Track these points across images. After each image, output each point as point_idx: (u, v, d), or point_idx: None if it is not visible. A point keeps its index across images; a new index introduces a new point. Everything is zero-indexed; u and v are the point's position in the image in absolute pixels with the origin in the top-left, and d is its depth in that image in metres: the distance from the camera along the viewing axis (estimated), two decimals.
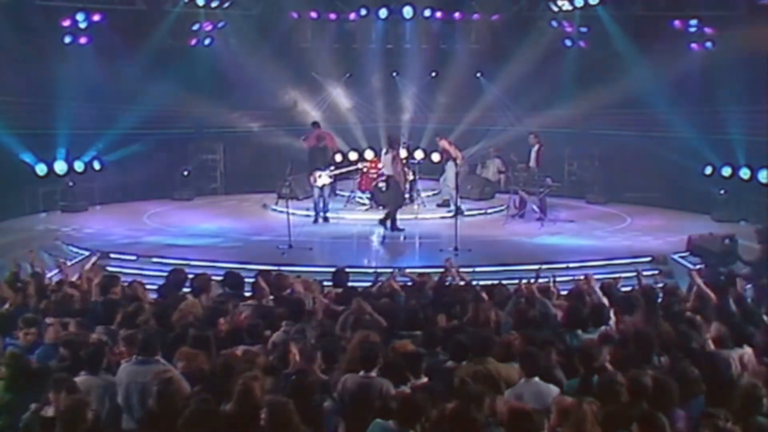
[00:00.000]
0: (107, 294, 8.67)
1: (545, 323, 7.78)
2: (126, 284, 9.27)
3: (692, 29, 18.71)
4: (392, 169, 15.41)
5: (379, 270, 10.97)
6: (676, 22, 18.89)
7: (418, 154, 20.25)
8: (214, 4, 20.14)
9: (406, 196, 17.57)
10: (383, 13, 20.94)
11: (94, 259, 10.71)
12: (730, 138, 17.18)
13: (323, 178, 16.28)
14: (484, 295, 8.57)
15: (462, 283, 9.55)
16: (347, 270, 10.09)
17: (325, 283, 9.81)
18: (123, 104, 18.62)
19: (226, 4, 20.30)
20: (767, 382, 5.89)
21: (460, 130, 20.09)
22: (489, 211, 18.05)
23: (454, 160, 17.31)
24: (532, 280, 8.83)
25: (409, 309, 8.06)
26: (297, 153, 17.68)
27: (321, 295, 8.83)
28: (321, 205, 16.58)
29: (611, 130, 19.52)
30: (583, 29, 20.34)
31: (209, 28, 20.61)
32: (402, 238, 15.28)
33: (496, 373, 6.28)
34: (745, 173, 17.29)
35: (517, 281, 9.08)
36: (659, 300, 8.71)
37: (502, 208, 17.76)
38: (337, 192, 17.95)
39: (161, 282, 9.90)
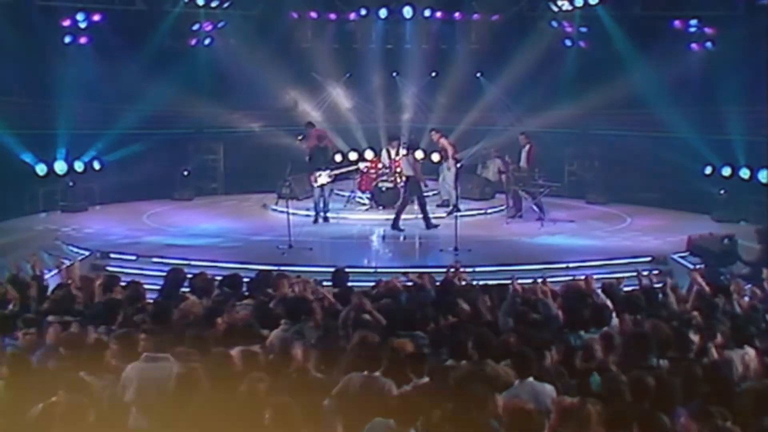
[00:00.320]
0: (108, 294, 8.67)
1: (547, 324, 7.76)
2: (125, 284, 9.27)
3: (692, 29, 18.74)
4: (411, 169, 15.59)
5: (379, 270, 10.97)
6: (676, 22, 18.92)
7: (418, 154, 20.19)
8: (214, 4, 20.14)
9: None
10: (383, 13, 20.95)
11: (78, 261, 10.67)
12: (730, 138, 17.17)
13: (323, 177, 16.28)
14: (483, 295, 8.56)
15: (463, 283, 9.55)
16: (347, 270, 10.08)
17: (325, 283, 9.80)
18: (123, 104, 18.64)
19: (226, 4, 20.29)
20: None
21: (460, 130, 20.07)
22: (489, 211, 18.05)
23: (453, 158, 17.30)
24: (529, 281, 8.81)
25: (408, 309, 8.06)
26: (297, 153, 17.65)
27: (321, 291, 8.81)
28: (321, 205, 16.59)
29: (611, 130, 19.54)
30: (583, 29, 20.35)
31: (209, 28, 20.62)
32: (402, 238, 15.29)
33: (494, 373, 6.27)
34: (745, 173, 17.28)
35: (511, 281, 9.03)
36: (659, 300, 8.71)
37: (502, 208, 17.77)
38: (337, 192, 17.92)
39: (161, 282, 9.89)
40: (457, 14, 21.32)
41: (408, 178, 15.76)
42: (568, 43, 20.67)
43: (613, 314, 7.92)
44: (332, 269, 10.25)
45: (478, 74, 21.02)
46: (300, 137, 17.38)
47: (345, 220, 16.92)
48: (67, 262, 11.22)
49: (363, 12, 21.04)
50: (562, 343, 7.16)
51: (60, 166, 18.30)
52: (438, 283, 9.41)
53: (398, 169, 17.01)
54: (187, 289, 9.23)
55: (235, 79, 20.07)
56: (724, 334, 7.05)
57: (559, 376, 6.33)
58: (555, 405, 5.44)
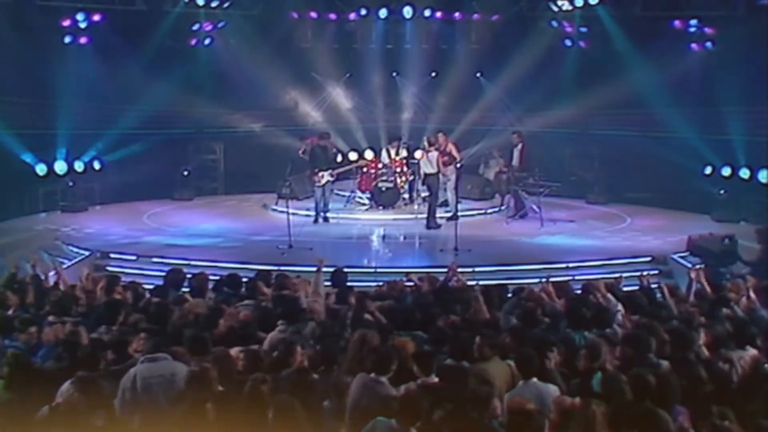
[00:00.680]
0: (109, 294, 8.67)
1: (552, 325, 7.75)
2: (124, 284, 9.26)
3: (692, 29, 18.74)
4: (432, 167, 15.68)
5: (379, 270, 10.96)
6: (676, 22, 18.92)
7: (418, 154, 20.19)
8: (214, 4, 20.13)
9: (406, 196, 17.64)
10: (383, 13, 20.94)
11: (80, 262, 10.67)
12: (730, 138, 17.18)
13: (327, 176, 16.27)
14: (482, 295, 8.54)
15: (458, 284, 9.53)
16: (346, 270, 10.08)
17: (325, 284, 9.78)
18: (123, 104, 18.64)
19: (226, 4, 20.29)
20: None
21: (460, 130, 20.02)
22: (489, 211, 18.05)
23: (454, 160, 17.26)
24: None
25: (408, 309, 8.06)
26: (297, 153, 17.65)
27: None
28: (321, 205, 16.58)
29: (611, 130, 19.54)
30: (583, 29, 20.35)
31: (209, 28, 20.61)
32: (402, 238, 15.29)
33: (494, 373, 6.26)
34: (745, 173, 17.28)
35: (516, 282, 9.06)
36: (658, 300, 8.71)
37: (502, 208, 17.76)
38: (337, 192, 17.91)
39: (161, 282, 9.88)
40: (457, 14, 21.31)
41: (427, 175, 15.84)
42: (568, 43, 20.67)
43: (619, 315, 7.91)
44: (332, 269, 10.24)
45: (478, 74, 21.01)
46: (302, 150, 17.13)
47: (345, 220, 16.92)
48: (67, 263, 11.25)
49: (363, 12, 21.03)
50: (566, 343, 7.15)
51: (60, 166, 18.29)
52: (438, 284, 9.42)
53: (398, 169, 16.98)
54: (186, 290, 9.22)
55: (235, 79, 20.07)
56: (724, 334, 7.03)
57: (562, 377, 6.33)
58: (555, 405, 5.43)
